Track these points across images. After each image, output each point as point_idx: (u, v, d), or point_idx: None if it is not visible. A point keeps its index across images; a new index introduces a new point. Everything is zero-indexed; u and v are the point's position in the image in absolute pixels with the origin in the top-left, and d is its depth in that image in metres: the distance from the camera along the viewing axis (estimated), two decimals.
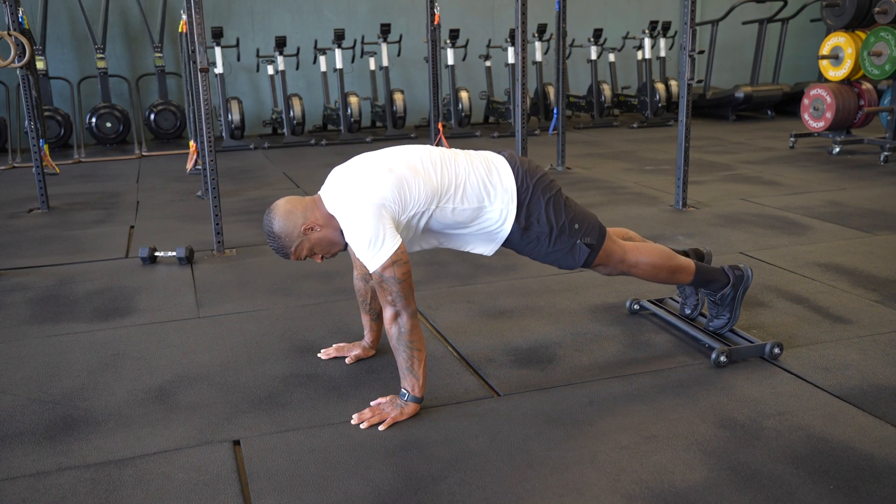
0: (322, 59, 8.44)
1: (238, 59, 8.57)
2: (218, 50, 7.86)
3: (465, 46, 8.88)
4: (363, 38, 8.69)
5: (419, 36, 8.71)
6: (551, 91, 8.94)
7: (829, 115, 6.81)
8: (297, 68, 8.83)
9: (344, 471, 1.98)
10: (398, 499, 1.86)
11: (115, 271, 3.82)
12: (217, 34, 7.74)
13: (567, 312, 3.07)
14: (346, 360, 2.64)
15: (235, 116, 7.97)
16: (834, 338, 2.76)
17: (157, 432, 2.21)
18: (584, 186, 5.64)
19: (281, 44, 8.08)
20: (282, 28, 8.93)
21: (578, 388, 2.42)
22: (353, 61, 8.98)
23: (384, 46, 8.45)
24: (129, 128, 8.32)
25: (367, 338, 2.67)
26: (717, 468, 1.95)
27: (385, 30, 8.35)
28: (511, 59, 8.60)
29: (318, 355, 2.70)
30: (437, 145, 6.42)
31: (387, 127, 8.54)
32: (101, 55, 8.12)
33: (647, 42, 9.14)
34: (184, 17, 4.91)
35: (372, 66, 8.75)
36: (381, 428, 2.18)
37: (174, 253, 3.91)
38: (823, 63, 7.04)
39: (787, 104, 9.56)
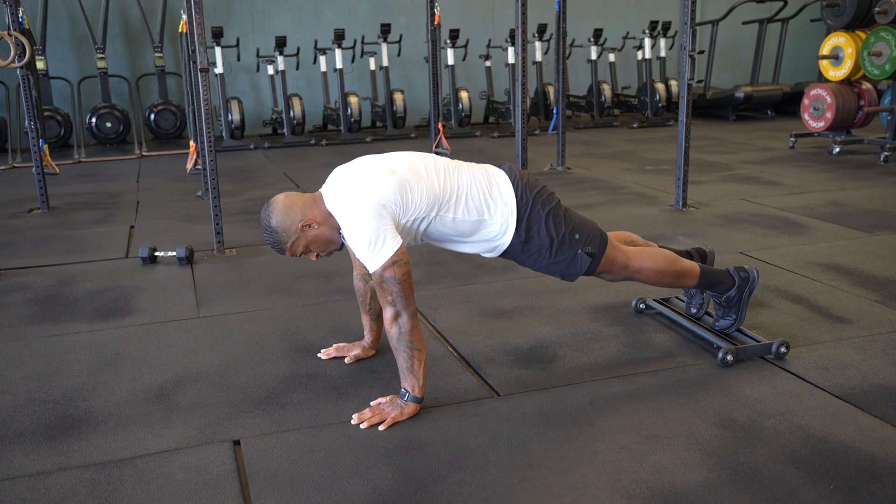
0: (322, 59, 8.44)
1: (238, 59, 8.58)
2: (218, 50, 7.86)
3: (465, 46, 8.88)
4: (363, 38, 8.69)
5: (419, 36, 8.71)
6: (551, 91, 8.93)
7: (829, 115, 6.81)
8: (297, 68, 8.83)
9: (344, 471, 1.98)
10: (398, 499, 1.86)
11: (116, 271, 3.82)
12: (217, 34, 7.74)
13: (567, 312, 3.07)
14: (346, 360, 2.65)
15: (235, 116, 7.97)
16: (834, 338, 2.76)
17: (157, 432, 2.21)
18: (584, 186, 5.64)
19: (281, 44, 8.08)
20: (282, 28, 8.93)
21: (578, 388, 2.42)
22: (353, 61, 8.98)
23: (384, 46, 8.45)
24: (129, 128, 8.32)
25: (367, 338, 2.68)
26: (717, 468, 1.95)
27: (385, 30, 8.35)
28: (511, 59, 8.60)
29: (318, 355, 2.70)
30: (437, 145, 6.44)
31: (387, 127, 8.54)
32: (102, 55, 8.13)
33: (647, 42, 9.13)
34: (184, 16, 4.91)
35: (372, 66, 8.75)
36: (381, 428, 2.18)
37: (174, 253, 3.91)
38: (823, 63, 7.04)
39: (788, 104, 9.56)
